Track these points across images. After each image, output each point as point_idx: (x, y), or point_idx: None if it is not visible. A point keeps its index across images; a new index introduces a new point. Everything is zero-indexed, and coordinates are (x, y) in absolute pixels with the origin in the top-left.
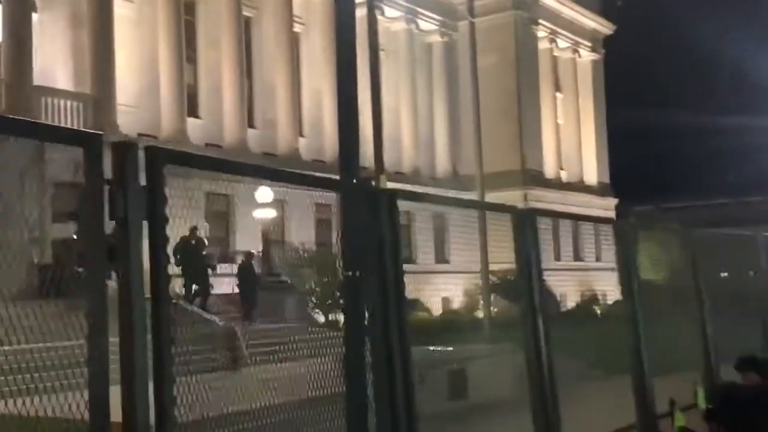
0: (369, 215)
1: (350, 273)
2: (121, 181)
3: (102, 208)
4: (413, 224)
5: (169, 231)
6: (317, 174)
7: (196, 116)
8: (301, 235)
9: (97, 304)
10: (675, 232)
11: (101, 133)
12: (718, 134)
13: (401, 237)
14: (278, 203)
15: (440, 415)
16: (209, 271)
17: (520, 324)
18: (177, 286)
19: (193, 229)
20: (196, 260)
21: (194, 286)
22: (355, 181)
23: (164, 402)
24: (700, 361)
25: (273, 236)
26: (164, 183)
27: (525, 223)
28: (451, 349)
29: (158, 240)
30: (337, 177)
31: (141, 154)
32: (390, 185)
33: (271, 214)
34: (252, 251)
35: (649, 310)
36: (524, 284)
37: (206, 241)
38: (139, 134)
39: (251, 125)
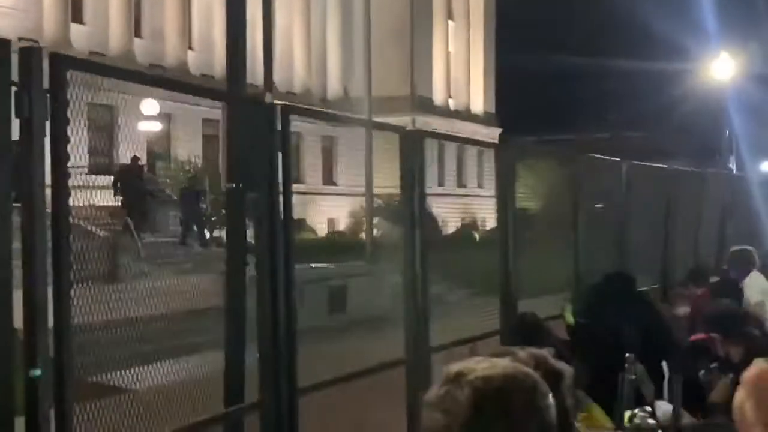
0: (257, 130)
1: (234, 185)
2: (26, 83)
3: (9, 109)
4: (302, 144)
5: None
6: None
7: (81, 22)
8: (188, 149)
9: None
10: (558, 158)
11: (9, 39)
12: (601, 75)
13: (292, 155)
14: (165, 117)
15: (320, 328)
16: (149, 197)
17: (401, 246)
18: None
19: (134, 158)
20: (135, 188)
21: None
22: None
23: (62, 308)
24: (571, 283)
25: (159, 149)
26: (67, 86)
27: (412, 144)
28: (332, 267)
29: (60, 139)
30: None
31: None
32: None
33: (156, 127)
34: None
35: (523, 236)
36: (407, 207)
37: (145, 168)
38: (20, 38)
39: (138, 35)
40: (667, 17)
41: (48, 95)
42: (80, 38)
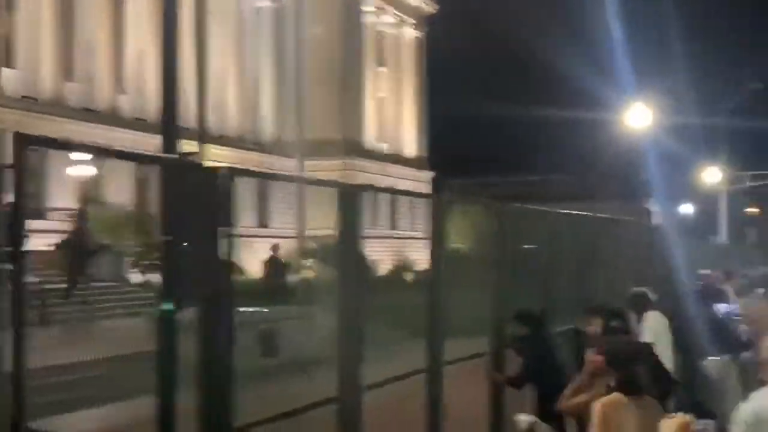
0: (192, 189)
1: (169, 237)
2: None
3: None
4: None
5: None
6: (144, 152)
7: (12, 66)
8: (120, 195)
9: None
10: (485, 206)
11: None
12: (530, 122)
13: (232, 213)
14: (97, 160)
15: (252, 371)
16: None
17: (334, 287)
18: None
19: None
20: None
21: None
22: (178, 155)
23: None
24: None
25: (90, 194)
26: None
27: (349, 198)
28: (266, 310)
29: None
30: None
31: None
32: (213, 150)
33: (89, 171)
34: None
35: (450, 279)
36: (342, 252)
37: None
38: None
39: (69, 78)
40: (589, 69)
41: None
42: (12, 82)
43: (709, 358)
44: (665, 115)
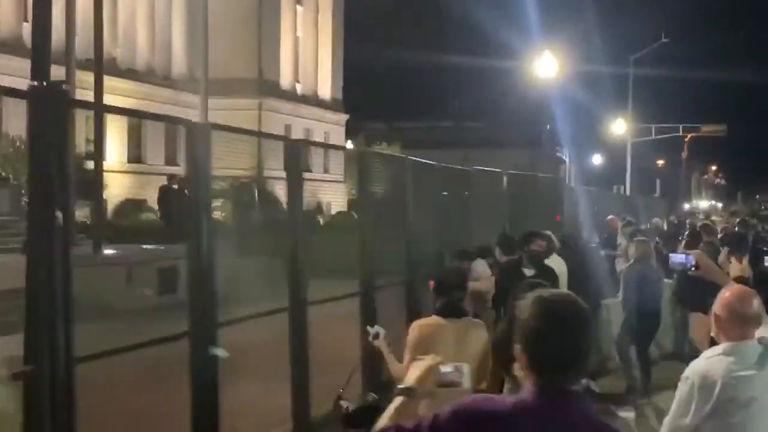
0: (57, 122)
1: (41, 172)
2: None
3: None
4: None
5: None
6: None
7: None
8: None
9: None
10: (394, 158)
11: None
12: (444, 68)
13: (70, 143)
14: None
15: (149, 308)
16: None
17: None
18: None
19: None
20: None
21: None
22: (45, 84)
23: None
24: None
25: None
26: None
27: (199, 136)
28: (162, 247)
29: None
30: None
31: None
32: (119, 84)
33: None
34: None
35: (366, 223)
36: (193, 193)
37: None
38: None
39: None
40: (500, 16)
41: None
42: None
43: (606, 299)
44: (574, 65)
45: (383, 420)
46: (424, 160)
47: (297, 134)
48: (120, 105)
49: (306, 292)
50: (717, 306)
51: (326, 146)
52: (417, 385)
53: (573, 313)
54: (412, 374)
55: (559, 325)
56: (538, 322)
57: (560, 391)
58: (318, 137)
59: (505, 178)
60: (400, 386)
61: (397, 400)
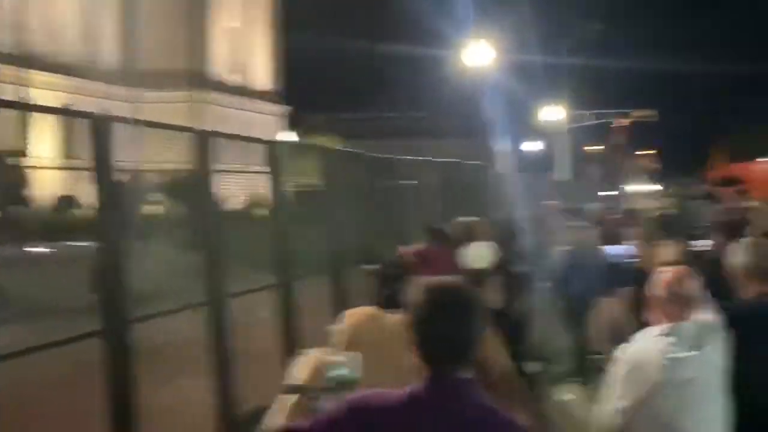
0: None
1: None
2: None
3: None
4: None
5: None
6: None
7: None
8: None
9: None
10: (313, 148)
11: None
12: (387, 57)
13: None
14: None
15: (81, 307)
16: None
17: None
18: None
19: None
20: None
21: None
22: None
23: None
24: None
25: None
26: None
27: (100, 129)
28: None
29: None
30: None
31: None
32: (44, 77)
33: None
34: None
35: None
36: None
37: None
38: None
39: None
40: (439, 7)
41: None
42: None
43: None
44: (507, 52)
45: (276, 417)
46: (348, 149)
47: (234, 127)
48: (50, 99)
49: (223, 285)
50: (655, 286)
51: (233, 137)
52: (307, 384)
53: (459, 300)
54: (301, 371)
55: (446, 313)
56: (424, 312)
57: (452, 381)
58: (258, 130)
59: (431, 166)
60: (289, 383)
61: (289, 398)
